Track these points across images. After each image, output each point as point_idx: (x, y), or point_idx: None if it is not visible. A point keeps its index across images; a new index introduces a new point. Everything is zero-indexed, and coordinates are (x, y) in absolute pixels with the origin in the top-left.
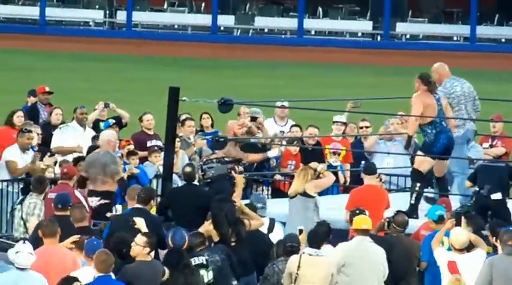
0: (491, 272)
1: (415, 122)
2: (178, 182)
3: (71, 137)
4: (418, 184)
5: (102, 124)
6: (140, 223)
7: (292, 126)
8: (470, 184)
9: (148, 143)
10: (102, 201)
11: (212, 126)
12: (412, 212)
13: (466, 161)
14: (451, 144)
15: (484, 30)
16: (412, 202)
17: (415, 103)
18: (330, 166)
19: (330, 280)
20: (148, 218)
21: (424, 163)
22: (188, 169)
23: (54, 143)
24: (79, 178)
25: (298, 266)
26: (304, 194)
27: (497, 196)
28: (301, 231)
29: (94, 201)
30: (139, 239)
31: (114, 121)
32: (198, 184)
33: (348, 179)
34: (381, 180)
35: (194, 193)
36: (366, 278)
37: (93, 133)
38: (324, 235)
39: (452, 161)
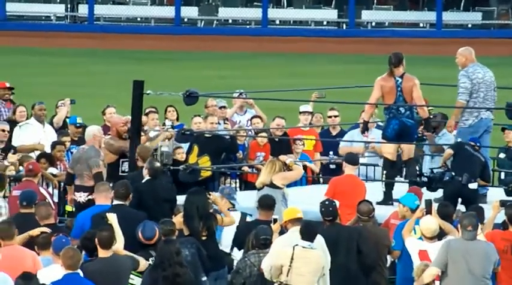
0: (446, 252)
1: (371, 108)
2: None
3: (31, 134)
4: (385, 172)
5: (68, 120)
6: (113, 218)
7: (253, 117)
8: (451, 152)
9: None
10: (90, 196)
11: (177, 119)
12: (387, 199)
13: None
14: (403, 130)
15: (450, 16)
16: (383, 189)
17: (374, 87)
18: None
19: (321, 272)
20: (130, 214)
21: (385, 148)
22: (156, 164)
23: (15, 142)
24: (67, 175)
25: (291, 259)
26: (271, 185)
27: (474, 185)
28: (275, 220)
29: (82, 196)
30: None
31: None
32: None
33: (317, 169)
34: None
35: (160, 187)
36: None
37: (52, 130)
38: (317, 227)
39: None
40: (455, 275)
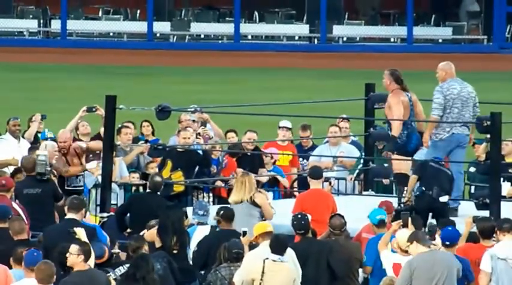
0: (410, 272)
1: (400, 123)
2: (117, 190)
3: (5, 149)
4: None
5: (39, 135)
6: (80, 232)
7: (227, 131)
8: (416, 177)
9: None
10: None
11: (153, 133)
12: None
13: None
14: (419, 145)
15: (421, 31)
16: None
17: (395, 103)
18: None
19: None
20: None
21: (402, 165)
22: (158, 179)
23: None
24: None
25: (262, 272)
26: (253, 202)
27: (444, 198)
28: (245, 233)
29: None
30: (72, 248)
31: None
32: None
33: (287, 184)
34: (330, 184)
35: (156, 202)
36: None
37: (28, 145)
38: (287, 240)
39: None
40: None
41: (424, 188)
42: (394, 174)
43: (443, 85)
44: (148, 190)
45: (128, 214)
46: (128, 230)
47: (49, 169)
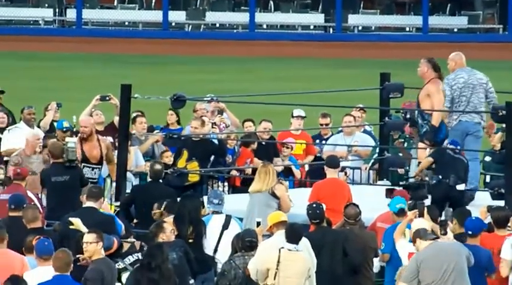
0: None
1: (439, 114)
2: (132, 179)
3: (20, 138)
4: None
5: (55, 124)
6: (77, 222)
7: (244, 120)
8: (432, 161)
9: None
10: None
11: (178, 122)
12: None
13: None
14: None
15: (436, 21)
16: None
17: (436, 91)
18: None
19: (307, 274)
20: (99, 217)
21: (426, 152)
22: (158, 167)
23: (4, 146)
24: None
25: (278, 262)
26: (272, 193)
27: (461, 187)
28: (258, 223)
29: None
30: (89, 237)
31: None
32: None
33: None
34: (345, 174)
35: (159, 191)
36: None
37: (42, 134)
38: (302, 229)
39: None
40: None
41: (440, 177)
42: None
43: (449, 77)
44: (149, 179)
45: (133, 205)
46: (135, 221)
47: (77, 156)
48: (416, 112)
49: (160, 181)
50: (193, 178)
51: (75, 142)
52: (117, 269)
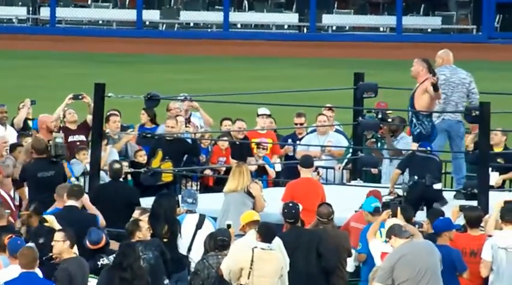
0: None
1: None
2: (105, 178)
3: None
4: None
5: (30, 123)
6: (51, 220)
7: (223, 119)
8: (399, 172)
9: (70, 138)
10: None
11: (152, 121)
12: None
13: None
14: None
15: (410, 21)
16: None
17: (424, 98)
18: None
19: (280, 273)
20: (81, 216)
21: None
22: (117, 166)
23: None
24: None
25: (252, 261)
26: (247, 192)
27: (438, 186)
28: (229, 226)
29: None
30: (57, 235)
31: None
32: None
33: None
34: (318, 174)
35: (120, 189)
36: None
37: (14, 132)
38: (275, 229)
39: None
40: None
41: (416, 177)
42: None
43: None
44: (109, 179)
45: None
46: None
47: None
48: (410, 112)
49: (120, 179)
50: (167, 178)
51: (63, 137)
52: (101, 264)
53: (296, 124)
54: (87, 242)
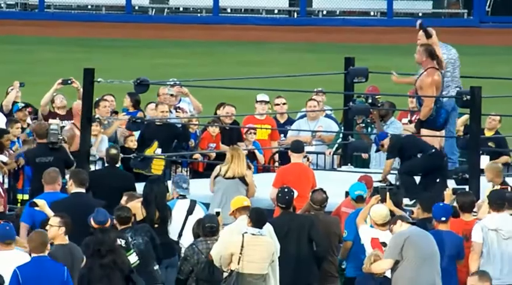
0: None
1: (430, 108)
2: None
3: None
4: None
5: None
6: (42, 204)
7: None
8: (392, 161)
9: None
10: None
11: (134, 106)
12: None
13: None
14: (448, 117)
15: (401, 5)
16: None
17: (428, 85)
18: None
19: (271, 259)
20: (90, 202)
21: (434, 141)
22: (114, 151)
23: None
24: None
25: (242, 246)
26: (242, 179)
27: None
28: (218, 213)
29: None
30: (53, 220)
31: (23, 104)
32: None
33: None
34: (308, 160)
35: (115, 175)
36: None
37: (3, 116)
38: (266, 214)
39: None
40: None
41: (433, 150)
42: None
43: None
44: (106, 165)
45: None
46: None
47: (61, 138)
48: (415, 98)
49: (117, 165)
50: (158, 170)
51: (58, 124)
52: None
53: (277, 104)
54: (92, 221)
